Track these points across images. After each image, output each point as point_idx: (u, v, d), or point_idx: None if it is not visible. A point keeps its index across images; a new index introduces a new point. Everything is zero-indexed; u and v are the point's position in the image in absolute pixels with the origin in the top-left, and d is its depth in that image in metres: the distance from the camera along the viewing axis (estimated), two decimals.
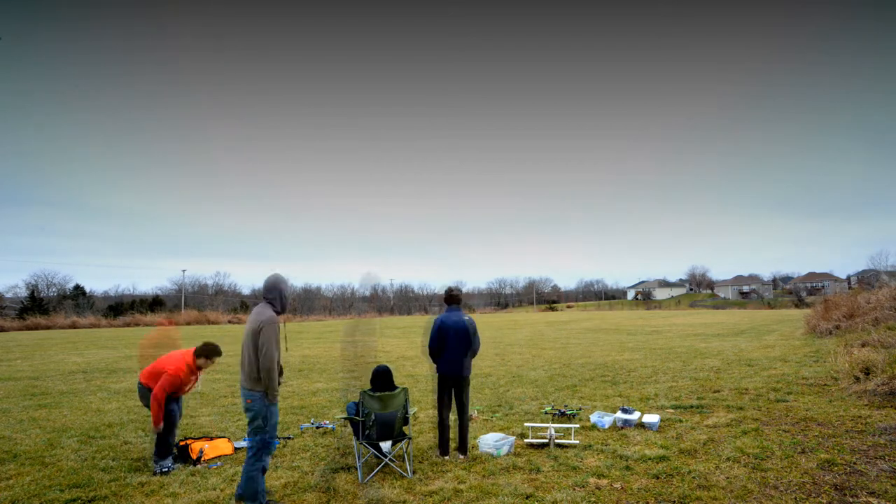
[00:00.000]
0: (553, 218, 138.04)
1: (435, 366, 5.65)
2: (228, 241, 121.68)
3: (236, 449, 5.78)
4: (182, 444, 5.60)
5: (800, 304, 60.52)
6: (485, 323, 38.14)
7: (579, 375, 10.64)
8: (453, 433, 5.59)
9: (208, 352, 5.28)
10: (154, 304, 60.28)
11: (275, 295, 4.16)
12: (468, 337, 5.49)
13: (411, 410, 5.21)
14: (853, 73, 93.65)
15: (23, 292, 62.50)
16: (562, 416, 6.84)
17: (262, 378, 3.99)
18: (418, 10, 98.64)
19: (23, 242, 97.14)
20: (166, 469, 5.06)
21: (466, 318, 5.60)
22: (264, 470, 4.15)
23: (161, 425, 5.02)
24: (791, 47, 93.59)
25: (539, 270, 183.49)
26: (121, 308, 57.08)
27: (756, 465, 4.74)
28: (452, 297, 5.67)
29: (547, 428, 5.86)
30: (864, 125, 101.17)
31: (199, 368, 5.29)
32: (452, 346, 5.46)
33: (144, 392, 5.23)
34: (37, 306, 51.35)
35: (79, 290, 66.43)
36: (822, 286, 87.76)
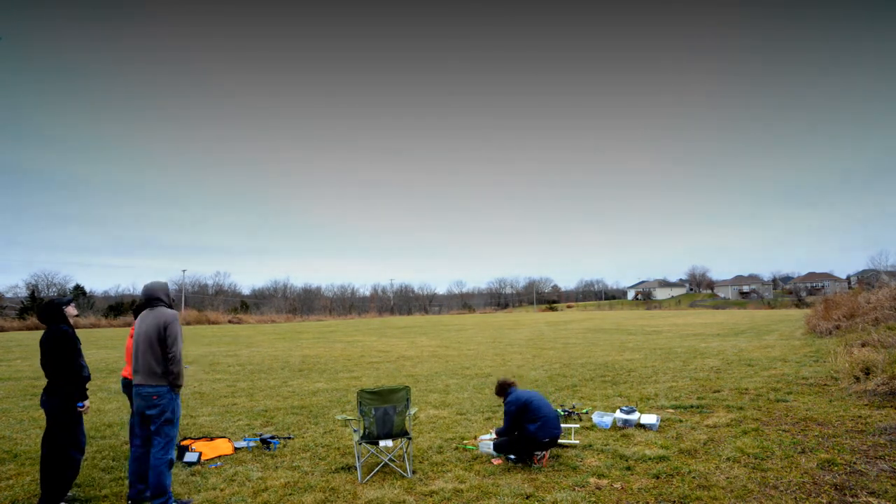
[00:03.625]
0: (553, 218, 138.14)
1: None
2: (229, 240, 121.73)
3: (236, 449, 5.78)
4: (183, 443, 5.62)
5: (800, 304, 60.51)
6: (485, 323, 38.14)
7: (579, 375, 10.64)
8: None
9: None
10: None
11: (167, 297, 4.50)
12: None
13: (412, 410, 5.21)
14: (854, 72, 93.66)
15: (23, 292, 62.54)
16: (569, 416, 6.84)
17: (170, 371, 4.20)
18: (425, 11, 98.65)
19: (23, 242, 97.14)
20: None
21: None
22: (171, 464, 4.20)
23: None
24: (790, 45, 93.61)
25: (539, 270, 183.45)
26: (121, 308, 57.08)
27: (756, 465, 4.74)
28: None
29: None
30: (865, 124, 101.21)
31: None
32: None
33: (127, 383, 5.33)
34: (37, 306, 51.28)
35: (79, 290, 66.44)
36: (822, 286, 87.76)
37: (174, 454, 4.26)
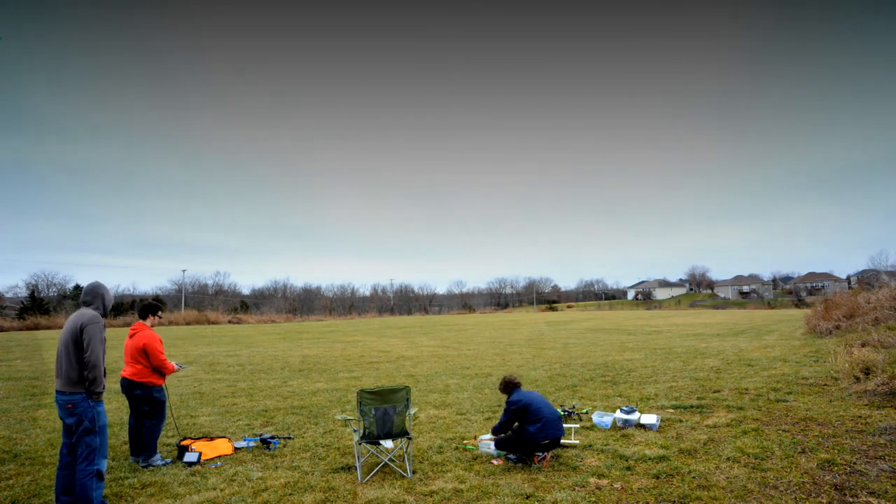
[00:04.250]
0: (553, 218, 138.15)
1: None
2: (229, 240, 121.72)
3: (236, 449, 5.78)
4: (182, 443, 5.62)
5: (800, 304, 60.50)
6: (485, 323, 38.14)
7: (579, 375, 10.64)
8: None
9: (152, 308, 5.76)
10: None
11: (95, 299, 4.22)
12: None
13: (412, 410, 5.21)
14: (853, 71, 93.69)
15: (23, 292, 62.62)
16: (569, 416, 6.83)
17: (85, 377, 3.95)
18: (422, 10, 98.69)
19: (23, 242, 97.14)
20: (158, 464, 5.23)
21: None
22: (100, 474, 4.00)
23: (175, 367, 5.60)
24: (788, 45, 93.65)
25: (539, 270, 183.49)
26: (121, 308, 57.08)
27: (756, 465, 4.74)
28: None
29: None
30: (865, 124, 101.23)
31: (152, 326, 5.75)
32: None
33: (126, 383, 5.45)
34: (37, 306, 51.35)
35: (79, 290, 66.43)
36: (822, 286, 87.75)
37: (103, 464, 4.04)
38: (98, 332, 4.01)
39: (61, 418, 4.04)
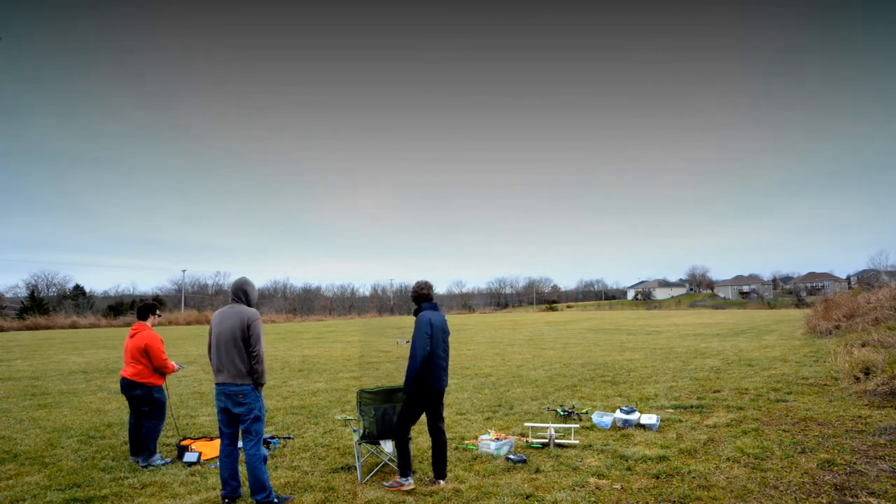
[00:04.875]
0: (553, 218, 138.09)
1: None
2: (229, 240, 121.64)
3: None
4: (182, 443, 5.62)
5: (800, 304, 60.46)
6: (485, 323, 38.13)
7: (579, 375, 10.64)
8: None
9: (151, 308, 5.80)
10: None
11: (242, 294, 4.43)
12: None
13: None
14: (853, 72, 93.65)
15: (23, 292, 62.55)
16: (568, 417, 6.83)
17: (253, 369, 4.21)
18: (420, 10, 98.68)
19: (23, 242, 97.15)
20: (158, 464, 5.24)
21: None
22: (265, 459, 4.23)
23: (175, 367, 5.64)
24: (787, 44, 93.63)
25: (539, 270, 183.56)
26: (121, 308, 57.07)
27: (756, 465, 4.74)
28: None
29: (547, 428, 5.86)
30: (865, 124, 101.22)
31: (152, 326, 5.80)
32: None
33: (127, 383, 5.45)
34: (37, 306, 51.38)
35: (79, 290, 66.45)
36: (822, 286, 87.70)
37: (265, 451, 4.34)
38: (260, 328, 4.30)
39: (225, 408, 4.22)
